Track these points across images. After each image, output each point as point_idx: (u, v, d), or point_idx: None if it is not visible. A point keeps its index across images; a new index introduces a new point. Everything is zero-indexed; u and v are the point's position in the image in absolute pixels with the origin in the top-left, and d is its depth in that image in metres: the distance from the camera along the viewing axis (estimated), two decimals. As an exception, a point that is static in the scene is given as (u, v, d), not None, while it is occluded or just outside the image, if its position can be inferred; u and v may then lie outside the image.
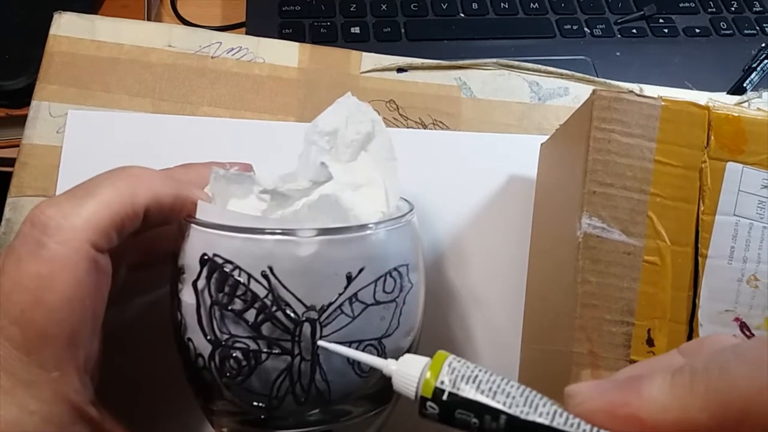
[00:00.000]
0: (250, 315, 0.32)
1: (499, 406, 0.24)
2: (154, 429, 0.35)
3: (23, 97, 0.55)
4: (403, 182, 0.45)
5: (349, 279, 0.32)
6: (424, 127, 0.50)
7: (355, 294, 0.32)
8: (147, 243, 0.37)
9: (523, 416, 0.24)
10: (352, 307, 0.32)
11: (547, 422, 0.24)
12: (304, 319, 0.31)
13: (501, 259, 0.47)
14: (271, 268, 0.31)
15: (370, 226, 0.33)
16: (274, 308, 0.31)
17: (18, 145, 0.46)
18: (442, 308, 0.46)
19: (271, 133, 0.48)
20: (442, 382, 0.25)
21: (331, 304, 0.32)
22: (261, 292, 0.31)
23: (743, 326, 0.34)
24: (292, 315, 0.31)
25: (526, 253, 0.47)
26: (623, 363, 0.33)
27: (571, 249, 0.34)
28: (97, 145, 0.46)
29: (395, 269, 0.34)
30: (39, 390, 0.29)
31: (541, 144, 0.46)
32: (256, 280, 0.31)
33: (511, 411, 0.24)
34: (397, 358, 0.28)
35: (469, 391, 0.25)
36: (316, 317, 0.31)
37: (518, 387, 0.25)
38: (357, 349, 0.32)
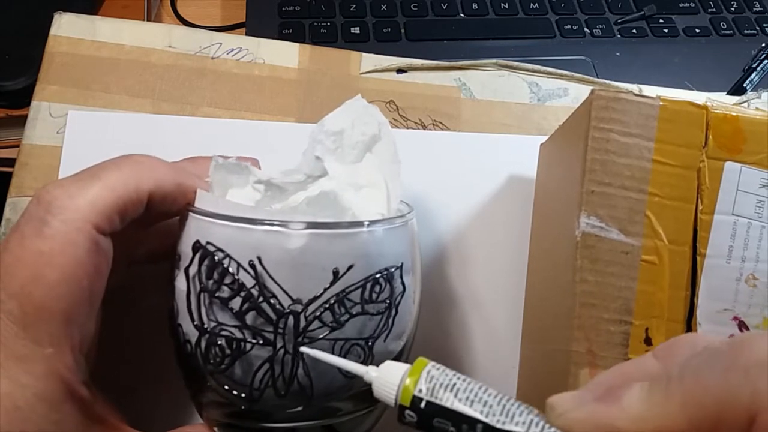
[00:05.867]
0: (236, 303, 0.32)
1: (476, 415, 0.25)
2: (147, 418, 0.35)
3: (23, 98, 0.55)
4: (404, 183, 0.45)
5: (336, 275, 0.31)
6: (424, 127, 0.50)
7: (344, 291, 0.32)
8: (155, 238, 0.37)
9: (499, 425, 0.24)
10: (339, 304, 0.32)
11: (521, 431, 0.24)
12: (288, 311, 0.31)
13: (501, 258, 0.47)
14: (259, 259, 0.31)
15: (361, 223, 0.33)
16: (259, 298, 0.31)
17: (18, 146, 0.46)
18: (442, 308, 0.46)
19: (271, 134, 0.48)
20: (420, 390, 0.26)
21: (316, 298, 0.31)
22: (248, 281, 0.31)
23: (742, 325, 0.34)
24: (276, 306, 0.31)
25: (525, 252, 0.47)
26: (621, 362, 0.33)
27: (570, 248, 0.34)
28: (97, 146, 0.46)
29: (387, 270, 0.33)
30: (32, 365, 0.29)
31: (541, 144, 0.46)
32: (245, 270, 0.31)
33: (487, 420, 0.24)
34: (379, 364, 0.28)
35: (446, 400, 0.25)
36: (300, 310, 0.31)
37: (496, 395, 0.25)
38: (342, 347, 0.32)
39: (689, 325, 0.33)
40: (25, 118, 0.47)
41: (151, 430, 0.34)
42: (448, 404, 0.25)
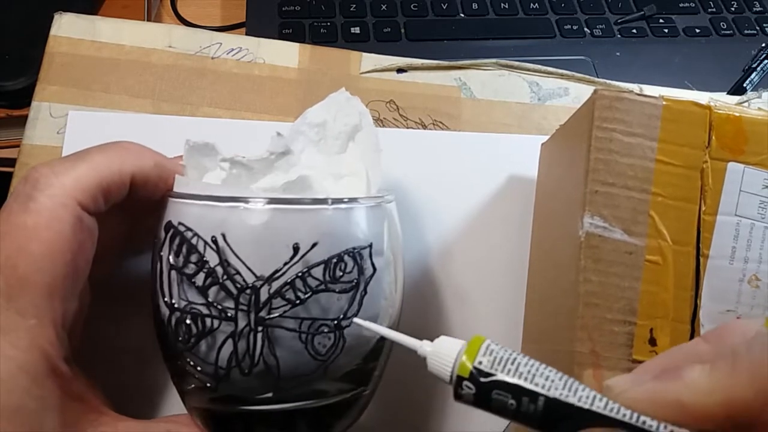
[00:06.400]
0: (200, 279, 0.32)
1: (538, 389, 0.24)
2: (130, 402, 0.35)
3: (23, 98, 0.55)
4: (403, 182, 0.45)
5: (296, 250, 0.31)
6: (424, 127, 0.50)
7: (308, 269, 0.32)
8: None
9: (562, 398, 0.24)
10: (304, 281, 0.32)
11: (586, 406, 0.24)
12: (249, 286, 0.31)
13: (501, 259, 0.47)
14: (224, 235, 0.31)
15: (325, 200, 0.33)
16: (223, 275, 0.31)
17: (18, 146, 0.46)
18: (442, 308, 0.46)
19: (271, 134, 0.48)
20: (480, 362, 0.25)
21: (279, 273, 0.31)
22: (212, 258, 0.32)
23: (744, 326, 0.34)
24: (239, 282, 0.31)
25: (526, 253, 0.47)
26: (625, 363, 0.33)
27: (573, 248, 0.34)
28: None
29: (355, 249, 0.33)
30: (15, 337, 0.29)
31: (542, 144, 0.46)
32: (210, 246, 0.32)
33: (550, 393, 0.24)
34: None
35: (507, 373, 0.25)
36: (260, 286, 0.31)
37: (557, 372, 0.25)
38: (310, 327, 0.32)
39: (694, 325, 0.33)
40: (25, 118, 0.47)
41: (135, 416, 0.34)
42: (508, 377, 0.25)
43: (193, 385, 0.34)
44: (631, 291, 0.33)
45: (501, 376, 0.25)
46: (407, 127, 0.50)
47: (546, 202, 0.44)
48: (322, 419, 0.35)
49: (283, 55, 0.50)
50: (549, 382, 0.24)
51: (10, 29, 0.63)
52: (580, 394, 0.24)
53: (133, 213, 0.37)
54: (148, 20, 0.66)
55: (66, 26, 0.49)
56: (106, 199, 0.33)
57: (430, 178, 0.48)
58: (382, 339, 0.35)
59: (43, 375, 0.30)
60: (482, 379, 0.25)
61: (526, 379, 0.25)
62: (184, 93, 0.48)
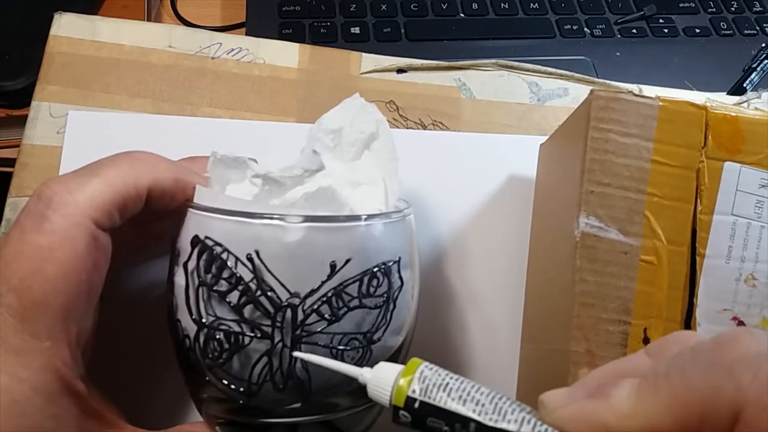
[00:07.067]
0: (234, 297, 0.32)
1: (469, 414, 0.25)
2: (145, 414, 0.35)
3: (23, 98, 0.55)
4: (404, 182, 0.45)
5: (333, 268, 0.32)
6: (424, 127, 0.50)
7: (341, 284, 0.32)
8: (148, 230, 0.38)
9: (491, 423, 0.25)
10: (337, 297, 0.32)
11: (514, 429, 0.24)
12: (285, 304, 0.31)
13: (500, 258, 0.47)
14: (257, 252, 0.31)
15: (359, 217, 0.33)
16: (257, 292, 0.31)
17: (18, 146, 0.46)
18: (441, 308, 0.46)
19: (271, 134, 0.48)
20: (414, 391, 0.26)
21: (314, 291, 0.31)
22: (246, 275, 0.31)
23: (741, 325, 0.34)
24: (274, 299, 0.31)
25: (525, 252, 0.47)
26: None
27: (569, 248, 0.34)
28: (97, 146, 0.45)
29: (385, 264, 0.33)
30: (30, 359, 0.29)
31: (541, 144, 0.46)
32: (243, 263, 0.31)
33: (480, 418, 0.25)
34: (377, 360, 0.29)
35: (439, 399, 0.26)
36: (298, 303, 0.31)
37: (488, 394, 0.26)
38: (341, 341, 0.32)
39: (687, 325, 0.34)
40: (25, 118, 0.47)
41: (149, 427, 0.34)
42: (441, 404, 0.25)
43: (214, 396, 0.34)
44: (626, 291, 0.33)
45: (433, 403, 0.26)
46: (407, 128, 0.50)
47: (544, 203, 0.44)
48: (342, 428, 0.35)
49: (283, 55, 0.51)
50: (479, 406, 0.25)
51: (10, 29, 0.63)
52: (509, 417, 0.25)
53: (146, 221, 0.36)
54: (148, 20, 0.67)
55: (66, 26, 0.49)
56: (122, 215, 0.33)
57: (430, 179, 0.48)
58: (399, 349, 0.36)
59: (58, 395, 0.30)
60: (416, 407, 0.26)
61: (457, 404, 0.25)
62: (184, 93, 0.49)
